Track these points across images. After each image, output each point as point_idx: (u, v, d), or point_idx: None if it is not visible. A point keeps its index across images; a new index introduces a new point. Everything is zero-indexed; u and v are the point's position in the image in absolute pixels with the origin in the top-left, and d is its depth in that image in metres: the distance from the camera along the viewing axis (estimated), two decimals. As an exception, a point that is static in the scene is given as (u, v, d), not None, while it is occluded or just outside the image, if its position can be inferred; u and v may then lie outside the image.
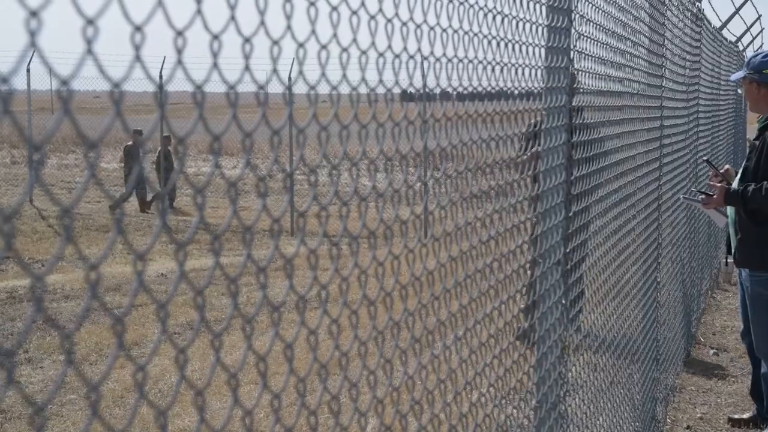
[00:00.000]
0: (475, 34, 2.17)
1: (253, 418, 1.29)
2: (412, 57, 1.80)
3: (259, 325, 5.50)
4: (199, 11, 1.11)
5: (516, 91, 2.65)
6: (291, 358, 1.38)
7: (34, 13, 0.86)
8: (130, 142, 17.87)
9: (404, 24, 1.74)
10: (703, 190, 5.73)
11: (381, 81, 1.67)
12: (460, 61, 2.07)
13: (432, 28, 1.89)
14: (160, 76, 16.30)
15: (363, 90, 1.62)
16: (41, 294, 0.85)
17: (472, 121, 2.15)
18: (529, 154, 4.95)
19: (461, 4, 2.05)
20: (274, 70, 1.30)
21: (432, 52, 1.90)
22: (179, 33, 1.07)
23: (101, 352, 7.45)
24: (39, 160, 0.89)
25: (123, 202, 14.98)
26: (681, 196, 6.22)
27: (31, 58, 17.01)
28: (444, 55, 1.97)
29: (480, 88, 2.23)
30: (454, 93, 2.10)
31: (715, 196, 5.28)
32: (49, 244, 13.45)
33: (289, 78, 14.73)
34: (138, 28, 1.00)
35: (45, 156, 0.91)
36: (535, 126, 3.39)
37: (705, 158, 7.13)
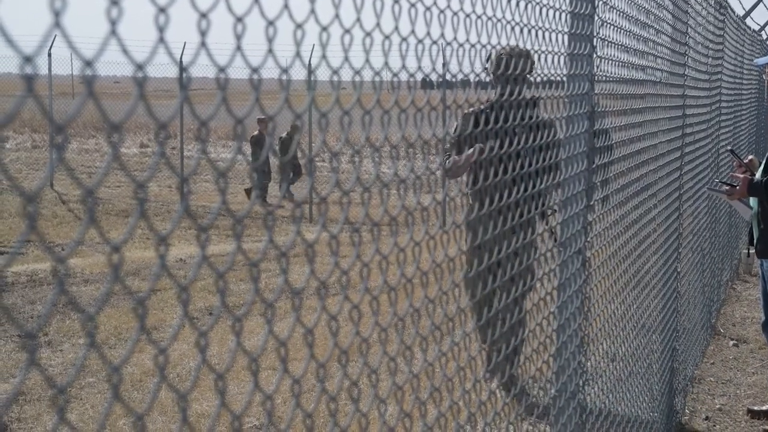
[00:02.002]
0: (498, 20, 2.15)
1: (273, 403, 1.29)
2: (435, 42, 1.78)
3: (278, 311, 5.53)
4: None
5: (536, 78, 2.63)
6: (311, 344, 1.37)
7: (58, -6, 0.85)
8: (256, 132, 17.52)
9: (428, 9, 1.73)
10: (726, 180, 5.68)
11: (404, 66, 1.66)
12: (483, 47, 2.05)
13: (455, 14, 1.87)
14: (181, 61, 16.33)
15: (386, 76, 1.61)
16: (63, 277, 0.85)
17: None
18: (463, 156, 4.40)
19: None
20: (297, 54, 1.29)
21: (455, 38, 1.89)
22: (203, 15, 1.06)
23: (120, 336, 7.49)
24: (61, 144, 0.89)
25: (260, 190, 14.78)
26: (705, 188, 6.17)
27: (53, 42, 17.08)
28: (467, 40, 1.95)
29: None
30: (476, 79, 2.08)
31: (738, 187, 5.23)
32: (69, 228, 13.53)
33: (309, 63, 14.71)
34: (162, 10, 0.99)
35: (67, 139, 0.91)
36: (462, 128, 3.34)
37: (729, 148, 7.07)
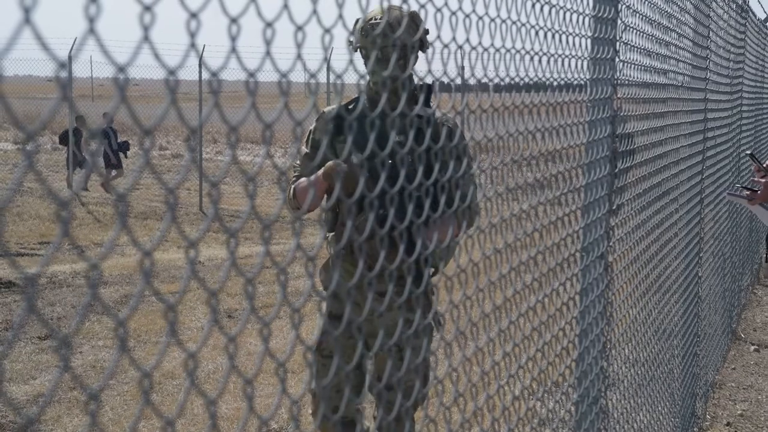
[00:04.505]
0: (523, 24, 2.15)
1: (300, 407, 1.29)
2: (446, 46, 1.77)
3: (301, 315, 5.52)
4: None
5: (555, 83, 2.61)
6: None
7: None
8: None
9: (453, 13, 1.72)
10: (747, 185, 5.65)
11: (429, 71, 1.66)
12: (497, 50, 2.04)
13: (480, 18, 1.87)
14: (200, 65, 16.38)
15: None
16: (95, 282, 0.85)
17: (509, 113, 2.13)
18: (314, 177, 3.28)
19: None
20: (326, 60, 1.29)
21: (467, 40, 1.88)
22: (233, 20, 1.06)
23: (140, 338, 7.51)
24: (95, 150, 0.89)
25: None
26: (726, 193, 6.14)
27: (73, 45, 17.16)
28: (480, 44, 1.94)
29: (518, 79, 2.20)
30: (491, 84, 2.07)
31: (759, 192, 5.20)
32: (89, 230, 13.59)
33: (328, 66, 14.72)
34: (193, 15, 0.99)
35: (100, 145, 0.91)
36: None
37: (748, 152, 7.04)
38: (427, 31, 3.11)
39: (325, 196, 3.19)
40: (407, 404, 2.65)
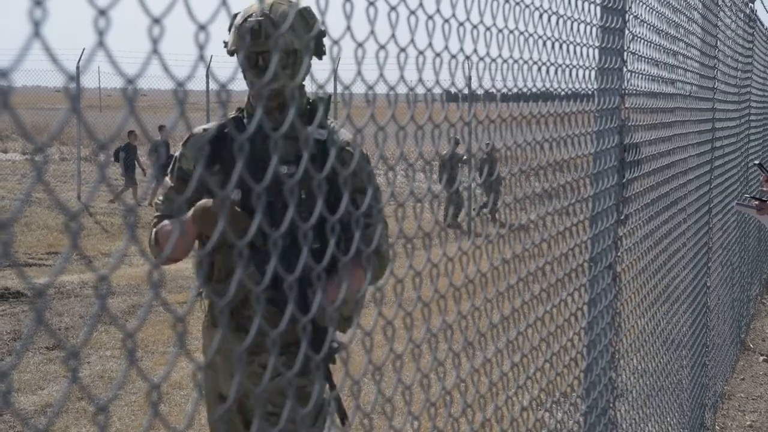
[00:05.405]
0: (530, 35, 2.15)
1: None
2: (454, 57, 1.77)
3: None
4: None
5: (563, 93, 2.61)
6: (346, 360, 1.37)
7: (102, 12, 0.86)
8: (444, 152, 15.71)
9: (461, 24, 1.73)
10: (755, 195, 5.63)
11: (437, 81, 1.66)
12: (505, 61, 2.04)
13: (488, 29, 1.87)
14: (207, 76, 16.41)
15: (420, 90, 1.61)
16: (104, 294, 0.85)
17: (517, 123, 2.12)
18: (185, 219, 2.45)
19: (517, 3, 2.03)
20: (334, 71, 1.29)
21: (475, 51, 1.88)
22: (241, 34, 1.06)
23: (147, 348, 7.52)
24: (104, 162, 0.89)
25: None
26: (734, 204, 6.12)
27: (81, 56, 17.23)
28: (488, 54, 1.94)
29: (526, 89, 2.20)
30: (498, 94, 2.06)
31: (768, 202, 5.18)
32: (96, 240, 13.62)
33: (335, 77, 14.73)
34: (202, 27, 0.99)
35: (109, 156, 0.91)
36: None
37: (756, 162, 7.02)
38: (323, 33, 2.48)
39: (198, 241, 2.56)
40: None
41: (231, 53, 2.48)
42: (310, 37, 2.24)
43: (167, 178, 2.77)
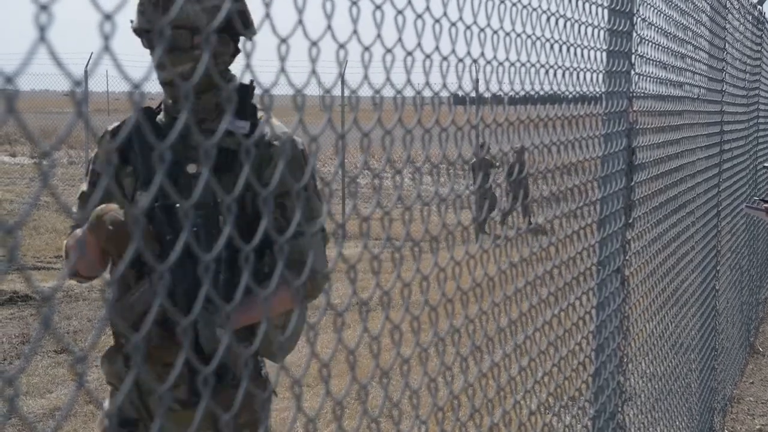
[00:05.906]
0: (538, 38, 2.14)
1: (316, 425, 1.28)
2: (461, 60, 1.77)
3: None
4: (267, 15, 1.10)
5: (570, 96, 2.60)
6: (353, 365, 1.37)
7: (108, 16, 0.86)
8: (471, 157, 15.82)
9: (468, 27, 1.72)
10: (764, 198, 5.61)
11: (445, 85, 1.66)
12: (512, 64, 2.04)
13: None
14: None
15: (427, 93, 1.60)
16: (110, 299, 0.85)
17: (524, 126, 2.12)
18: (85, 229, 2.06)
19: (524, 7, 2.03)
20: (341, 75, 1.29)
21: (482, 54, 1.87)
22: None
23: (155, 352, 7.52)
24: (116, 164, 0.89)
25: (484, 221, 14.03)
26: (743, 206, 6.10)
27: (89, 60, 17.30)
28: (495, 57, 1.93)
29: (534, 92, 2.19)
30: (506, 97, 2.06)
31: (777, 204, 5.17)
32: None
33: (342, 81, 14.72)
34: (209, 33, 0.99)
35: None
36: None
37: (766, 164, 7.00)
38: (244, 11, 2.18)
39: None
40: None
41: (137, 33, 2.17)
42: (224, 13, 1.89)
43: (83, 183, 2.43)
